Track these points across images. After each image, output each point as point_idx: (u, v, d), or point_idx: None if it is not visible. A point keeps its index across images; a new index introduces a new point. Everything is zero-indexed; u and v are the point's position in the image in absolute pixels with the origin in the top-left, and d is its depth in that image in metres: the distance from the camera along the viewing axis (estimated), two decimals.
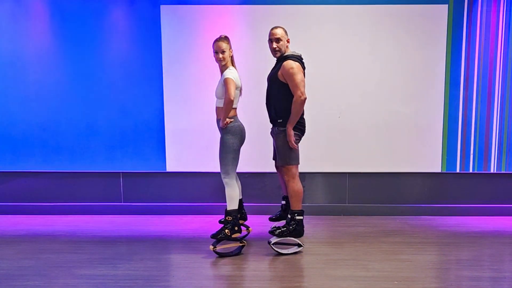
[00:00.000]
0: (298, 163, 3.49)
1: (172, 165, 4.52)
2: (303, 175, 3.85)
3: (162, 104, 4.45)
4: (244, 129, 3.50)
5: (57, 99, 4.48)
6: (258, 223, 4.12)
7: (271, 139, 3.69)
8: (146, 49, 4.40)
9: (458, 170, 4.48)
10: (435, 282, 2.98)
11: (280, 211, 3.82)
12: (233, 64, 3.49)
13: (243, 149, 3.53)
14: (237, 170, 3.51)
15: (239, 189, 3.62)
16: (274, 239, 3.48)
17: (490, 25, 4.29)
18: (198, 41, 4.33)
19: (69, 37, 4.40)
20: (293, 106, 3.34)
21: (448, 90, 4.38)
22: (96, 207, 4.60)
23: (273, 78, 3.44)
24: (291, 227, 3.45)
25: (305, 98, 3.33)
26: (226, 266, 3.26)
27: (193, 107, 4.43)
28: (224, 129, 3.41)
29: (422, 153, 4.46)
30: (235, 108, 3.48)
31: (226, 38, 3.42)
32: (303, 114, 3.49)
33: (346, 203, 4.56)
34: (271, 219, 3.83)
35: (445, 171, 4.48)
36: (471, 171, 4.48)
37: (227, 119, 3.36)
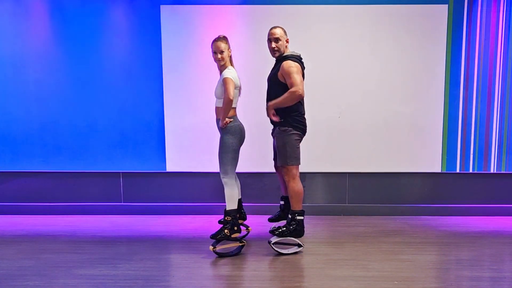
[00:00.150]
0: (299, 164, 3.48)
1: (172, 165, 4.53)
2: (303, 175, 3.85)
3: (162, 104, 4.45)
4: (243, 129, 3.50)
5: (57, 99, 4.48)
6: (257, 223, 4.12)
7: (271, 139, 3.70)
8: (146, 49, 4.40)
9: (458, 170, 4.48)
10: (435, 282, 2.98)
11: (279, 211, 3.82)
12: (232, 64, 3.49)
13: (242, 149, 3.53)
14: (237, 170, 3.51)
15: (238, 189, 3.61)
16: (274, 239, 3.48)
17: (490, 25, 4.29)
18: (198, 41, 4.33)
19: (69, 37, 4.40)
20: (286, 94, 3.29)
21: (448, 90, 4.38)
22: (96, 207, 4.61)
23: (272, 79, 3.44)
24: (291, 227, 3.45)
25: (300, 95, 3.29)
26: (226, 266, 3.26)
27: (193, 107, 4.43)
28: (223, 129, 3.41)
29: (422, 153, 4.46)
30: (235, 108, 3.47)
31: (224, 38, 3.42)
32: (303, 114, 3.49)
33: (346, 203, 4.56)
34: (270, 220, 3.83)
35: (445, 171, 4.48)
36: (471, 171, 4.48)
37: (227, 119, 3.36)
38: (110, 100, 4.48)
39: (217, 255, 3.42)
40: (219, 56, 3.38)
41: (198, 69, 4.38)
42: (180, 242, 3.79)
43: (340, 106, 4.40)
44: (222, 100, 3.37)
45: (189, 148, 4.49)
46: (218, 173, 3.52)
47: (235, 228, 3.44)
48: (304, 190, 3.58)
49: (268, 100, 3.51)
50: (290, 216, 3.48)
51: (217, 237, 3.41)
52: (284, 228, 3.45)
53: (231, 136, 3.41)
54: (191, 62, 4.39)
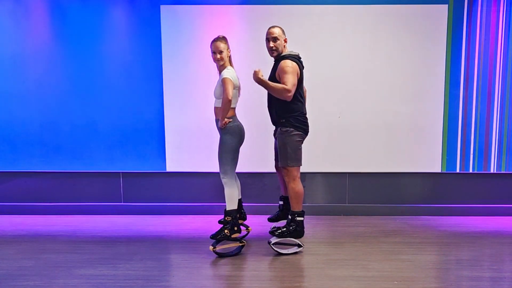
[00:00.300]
0: (300, 165, 3.46)
1: (172, 165, 4.53)
2: (303, 175, 3.84)
3: (162, 104, 4.45)
4: (243, 129, 3.50)
5: (57, 99, 4.48)
6: (257, 223, 4.12)
7: (270, 139, 3.70)
8: (146, 49, 4.40)
9: (458, 170, 4.48)
10: (435, 282, 2.98)
11: (278, 211, 3.81)
12: (231, 64, 3.49)
13: (242, 149, 3.53)
14: (237, 170, 3.51)
15: (238, 189, 3.61)
16: (274, 239, 3.48)
17: (490, 25, 4.29)
18: (198, 41, 4.33)
19: (69, 37, 4.40)
20: (279, 85, 3.25)
21: (448, 90, 4.38)
22: (96, 207, 4.61)
23: (272, 80, 3.43)
24: (291, 228, 3.45)
25: (288, 96, 3.26)
26: (226, 266, 3.26)
27: (193, 107, 4.43)
28: (223, 129, 3.41)
29: (422, 153, 4.46)
30: (234, 108, 3.47)
31: (224, 38, 3.42)
32: (305, 113, 3.49)
33: (346, 203, 4.56)
34: (270, 220, 3.82)
35: (445, 171, 4.48)
36: (471, 171, 4.48)
37: (226, 119, 3.36)
38: (110, 100, 4.48)
39: (217, 255, 3.42)
40: (218, 56, 3.39)
41: (198, 69, 4.38)
42: (180, 242, 3.79)
43: (340, 106, 4.40)
44: (221, 100, 3.37)
45: (189, 148, 4.49)
46: (218, 173, 3.52)
47: (235, 228, 3.44)
48: (304, 191, 3.57)
49: (269, 102, 3.49)
50: (290, 217, 3.48)
51: (217, 237, 3.41)
52: (284, 229, 3.45)
53: (231, 136, 3.41)
54: (191, 62, 4.39)
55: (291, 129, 3.39)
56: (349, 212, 4.55)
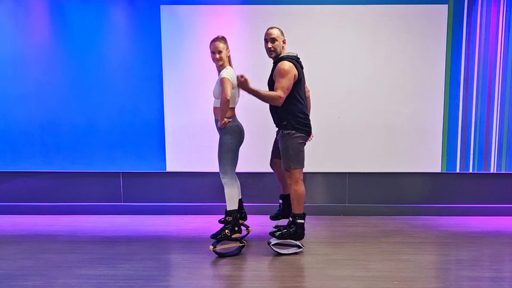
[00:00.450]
0: (303, 167, 3.44)
1: (172, 165, 4.53)
2: (303, 175, 3.83)
3: (162, 104, 4.45)
4: (243, 129, 3.50)
5: (57, 99, 4.48)
6: (257, 223, 4.12)
7: (271, 140, 3.70)
8: (146, 49, 4.40)
9: (458, 170, 4.48)
10: (435, 282, 2.98)
11: (278, 210, 3.80)
12: (230, 64, 3.49)
13: (242, 149, 3.53)
14: (237, 170, 3.51)
15: (238, 189, 3.61)
16: (274, 240, 3.47)
17: (490, 25, 4.29)
18: (198, 41, 4.33)
19: (69, 37, 4.40)
20: (268, 93, 3.25)
21: (448, 90, 4.38)
22: (96, 207, 4.60)
23: (271, 83, 3.42)
24: (291, 230, 3.44)
25: (279, 102, 3.26)
26: (226, 266, 3.26)
27: (193, 107, 4.43)
28: (222, 129, 3.41)
29: (422, 153, 4.46)
30: (233, 108, 3.47)
31: (223, 39, 3.42)
32: (308, 115, 3.48)
33: (346, 203, 4.56)
34: (272, 218, 3.81)
35: (445, 171, 4.48)
36: (471, 171, 4.48)
37: (225, 119, 3.36)
38: (110, 100, 4.48)
39: (217, 255, 3.42)
40: (217, 56, 3.39)
41: (198, 69, 4.38)
42: (180, 242, 3.79)
43: (340, 106, 4.40)
44: (220, 100, 3.37)
45: (189, 148, 4.49)
46: (218, 173, 3.52)
47: (236, 228, 3.44)
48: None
49: (270, 105, 3.46)
50: (290, 218, 3.47)
51: (218, 237, 3.41)
52: (285, 230, 3.44)
53: (230, 136, 3.41)
54: (191, 62, 4.39)
55: (293, 131, 3.37)
56: (349, 212, 4.55)
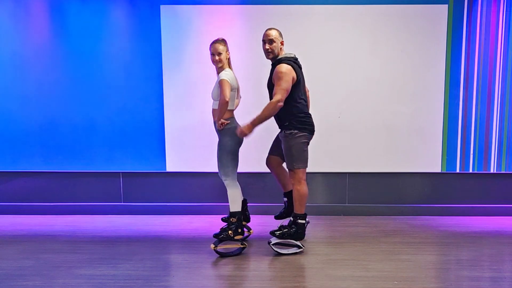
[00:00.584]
0: (306, 167, 3.44)
1: (172, 165, 4.52)
2: None
3: (162, 104, 4.45)
4: None
5: (57, 99, 4.48)
6: (258, 223, 4.11)
7: (271, 140, 3.70)
8: (146, 49, 4.40)
9: (458, 170, 4.48)
10: (435, 282, 2.98)
11: (283, 208, 3.79)
12: (230, 66, 3.50)
13: (242, 149, 3.53)
14: (237, 170, 3.51)
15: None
16: (274, 240, 3.48)
17: (490, 25, 4.29)
18: (198, 41, 4.33)
19: (69, 36, 4.40)
20: (265, 108, 3.27)
21: (448, 90, 4.38)
22: (96, 207, 4.60)
23: (270, 86, 3.42)
24: (292, 230, 3.44)
25: (280, 106, 3.26)
26: (226, 266, 3.26)
27: (193, 107, 4.43)
28: (221, 131, 3.41)
29: (422, 153, 4.46)
30: (232, 110, 3.47)
31: (223, 41, 3.43)
32: (309, 114, 3.47)
33: (346, 203, 4.56)
34: (276, 217, 3.79)
35: (445, 171, 4.48)
36: (471, 171, 4.48)
37: (223, 121, 3.36)
38: (110, 100, 4.47)
39: (218, 255, 3.42)
40: (217, 58, 3.39)
41: (198, 69, 4.38)
42: (180, 242, 3.79)
43: (340, 106, 4.40)
44: (218, 102, 3.37)
45: (189, 148, 4.49)
46: (218, 173, 3.53)
47: (239, 230, 3.45)
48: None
49: None
50: (291, 218, 3.47)
51: (220, 237, 3.41)
52: (285, 230, 3.45)
53: (229, 138, 3.41)
54: (191, 62, 4.39)
55: (295, 131, 3.37)
56: (349, 212, 4.55)
